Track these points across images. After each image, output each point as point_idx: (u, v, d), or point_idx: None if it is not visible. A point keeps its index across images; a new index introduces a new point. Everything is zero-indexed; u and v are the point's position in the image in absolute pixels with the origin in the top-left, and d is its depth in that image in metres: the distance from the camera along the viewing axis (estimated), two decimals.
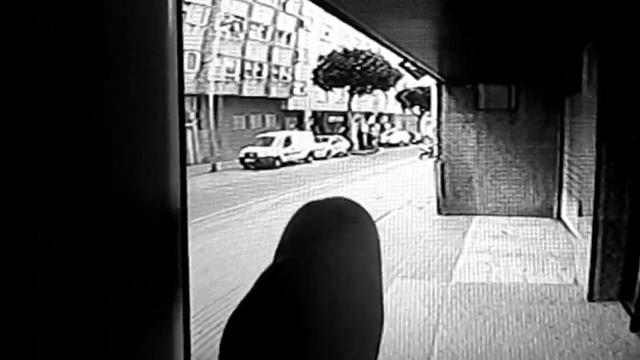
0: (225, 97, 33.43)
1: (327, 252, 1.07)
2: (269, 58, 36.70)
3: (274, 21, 36.85)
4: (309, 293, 1.00)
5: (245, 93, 35.65)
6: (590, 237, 8.15)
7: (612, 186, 8.03)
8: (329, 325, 1.00)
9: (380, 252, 1.17)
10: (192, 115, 31.81)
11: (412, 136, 44.01)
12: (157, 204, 1.63)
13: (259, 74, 38.23)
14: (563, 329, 7.56)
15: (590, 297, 8.12)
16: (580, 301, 8.19)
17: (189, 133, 29.63)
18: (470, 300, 8.58)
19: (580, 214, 9.35)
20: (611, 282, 8.02)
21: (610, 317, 7.63)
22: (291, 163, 32.11)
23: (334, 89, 40.83)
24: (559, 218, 13.04)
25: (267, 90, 37.87)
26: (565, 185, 12.62)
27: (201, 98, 32.35)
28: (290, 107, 40.16)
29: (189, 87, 31.21)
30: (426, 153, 24.68)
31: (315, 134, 38.47)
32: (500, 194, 13.55)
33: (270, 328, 0.98)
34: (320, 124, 41.16)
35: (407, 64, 14.09)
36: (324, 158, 36.02)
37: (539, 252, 10.45)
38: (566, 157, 12.57)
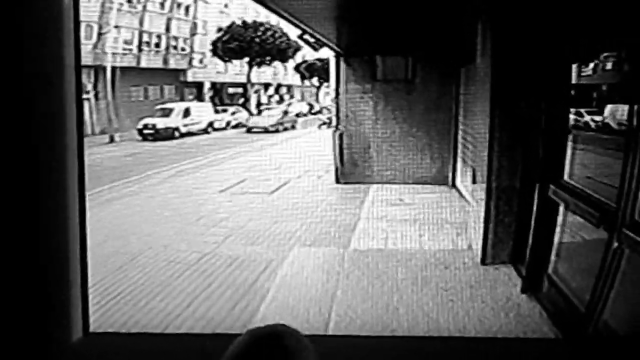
0: (123, 69, 32.79)
1: None
2: (168, 29, 36.12)
3: None
4: None
5: (143, 64, 35.06)
6: (483, 203, 8.32)
7: (504, 154, 8.20)
8: None
9: None
10: (90, 87, 31.13)
11: (311, 107, 43.92)
12: (54, 174, 1.60)
13: (157, 45, 37.63)
14: (457, 291, 7.73)
15: (484, 261, 8.31)
16: (474, 265, 8.38)
17: (86, 104, 29.03)
18: (367, 266, 8.68)
19: (474, 181, 9.53)
20: (503, 246, 8.23)
21: (502, 280, 7.84)
22: (190, 134, 31.83)
23: (233, 61, 40.48)
24: (454, 185, 13.23)
25: (165, 61, 37.31)
26: (460, 153, 12.80)
27: (98, 69, 31.66)
28: (190, 79, 39.70)
29: (86, 59, 30.50)
30: (325, 123, 24.70)
31: (214, 105, 38.16)
32: (397, 163, 13.65)
33: None
34: (220, 95, 40.80)
35: (306, 36, 14.09)
36: (224, 129, 35.80)
37: (434, 218, 10.59)
38: (461, 126, 12.74)
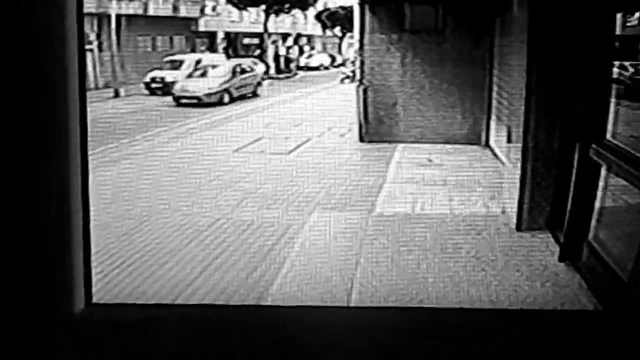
0: (129, 17, 32.71)
1: None
2: None
3: None
4: None
5: (151, 12, 34.95)
6: (519, 164, 8.31)
7: (542, 111, 8.16)
8: None
9: None
10: (93, 37, 31.10)
11: (333, 59, 43.66)
12: (51, 132, 1.59)
13: None
14: (490, 260, 7.74)
15: (519, 227, 8.32)
16: (508, 231, 8.39)
17: (88, 56, 28.98)
18: (393, 232, 8.70)
19: (509, 140, 9.51)
20: (540, 211, 8.23)
21: (539, 247, 7.84)
22: None
23: (249, 9, 40.33)
24: (487, 145, 13.21)
25: (175, 9, 37.21)
26: (494, 110, 12.77)
27: (102, 18, 31.61)
28: (201, 28, 39.54)
29: (89, 6, 30.40)
30: (348, 77, 24.67)
31: (228, 56, 38.09)
32: (426, 120, 13.65)
33: None
34: (234, 46, 40.69)
35: None
36: None
37: (466, 181, 10.59)
38: (495, 81, 12.69)
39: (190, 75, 19.65)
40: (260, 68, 36.72)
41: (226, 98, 17.96)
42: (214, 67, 19.75)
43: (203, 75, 19.36)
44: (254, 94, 18.85)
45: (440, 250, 7.93)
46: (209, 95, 17.66)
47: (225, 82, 18.20)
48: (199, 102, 17.54)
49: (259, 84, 19.16)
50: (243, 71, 19.48)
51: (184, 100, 17.56)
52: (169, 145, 15.61)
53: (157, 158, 13.96)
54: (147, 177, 11.71)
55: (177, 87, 18.01)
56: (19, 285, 2.00)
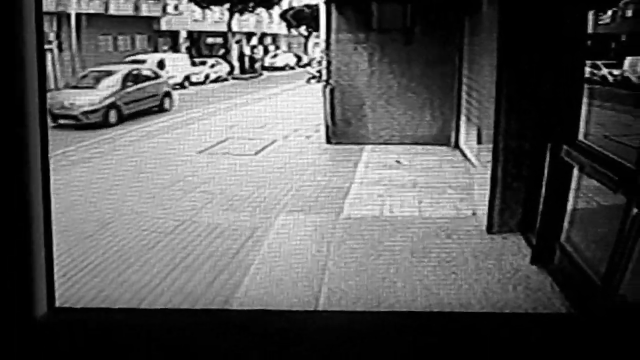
0: (90, 16, 32.54)
1: None
2: None
3: None
4: None
5: (112, 11, 34.81)
6: (489, 166, 8.33)
7: (513, 111, 8.20)
8: None
9: None
10: (52, 36, 30.90)
11: (299, 59, 43.64)
12: (12, 132, 1.58)
13: None
14: (460, 263, 7.77)
15: (490, 229, 8.35)
16: (478, 234, 8.42)
17: (48, 56, 28.72)
18: (362, 235, 8.71)
19: (479, 141, 9.55)
20: (511, 213, 8.26)
21: (510, 250, 7.88)
22: None
23: (212, 7, 40.30)
24: (457, 146, 13.26)
25: (137, 8, 37.04)
26: (464, 111, 12.82)
27: (62, 17, 31.39)
28: (164, 27, 39.43)
29: (48, 5, 30.12)
30: (314, 77, 24.61)
31: (191, 56, 38.01)
32: (395, 121, 13.66)
33: None
34: (197, 46, 40.63)
35: None
36: (202, 83, 35.62)
37: (435, 183, 10.62)
38: (465, 81, 12.73)
39: (76, 86, 14.37)
40: (222, 68, 36.60)
41: (112, 117, 13.66)
42: (109, 74, 14.16)
43: (93, 84, 14.07)
44: (161, 108, 14.92)
45: (410, 253, 7.95)
46: (86, 113, 13.22)
47: (111, 95, 13.57)
48: (78, 124, 12.97)
49: (168, 94, 14.87)
50: (139, 79, 14.73)
51: (62, 121, 12.88)
52: (130, 146, 15.58)
53: (121, 158, 13.94)
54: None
55: (55, 99, 12.78)
56: None
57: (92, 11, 30.83)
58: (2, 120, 1.73)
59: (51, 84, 27.95)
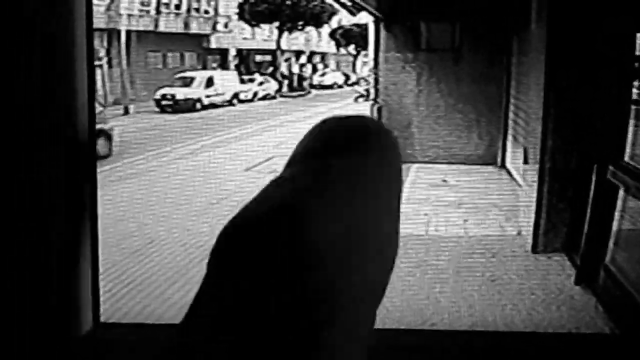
0: (139, 33, 32.73)
1: (347, 168, 1.03)
2: None
3: None
4: (323, 214, 0.94)
5: (161, 28, 34.99)
6: (535, 186, 8.33)
7: (559, 131, 8.18)
8: (343, 253, 0.95)
9: (401, 177, 1.16)
10: (102, 53, 31.14)
11: (347, 77, 43.60)
12: (62, 149, 1.63)
13: (178, 7, 37.47)
14: (505, 282, 7.76)
15: (535, 249, 8.32)
16: (523, 253, 8.39)
17: (98, 72, 28.97)
18: (407, 253, 8.74)
19: (525, 161, 9.53)
20: (556, 233, 8.23)
21: (555, 270, 7.85)
22: (213, 106, 31.79)
23: (262, 26, 40.38)
24: (503, 166, 13.23)
25: (186, 25, 37.24)
26: (510, 131, 12.78)
27: (112, 33, 31.62)
28: (213, 45, 39.56)
29: (98, 21, 30.40)
30: (362, 96, 24.71)
31: (240, 74, 38.07)
32: (442, 140, 13.65)
33: (271, 250, 0.93)
34: (246, 63, 40.74)
35: None
36: (250, 100, 35.70)
37: (481, 202, 10.61)
38: (512, 100, 12.70)
39: None
40: (270, 86, 36.69)
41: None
42: None
43: None
44: None
45: (455, 272, 7.95)
46: None
47: None
48: None
49: (103, 133, 12.77)
50: None
51: None
52: (178, 162, 15.69)
53: (169, 175, 14.05)
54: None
55: None
56: (23, 304, 2.03)
57: (142, 28, 31.13)
58: (51, 135, 1.76)
59: (100, 100, 28.19)
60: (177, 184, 12.81)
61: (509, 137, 12.93)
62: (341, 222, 0.96)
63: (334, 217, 0.95)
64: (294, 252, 0.93)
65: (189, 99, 30.11)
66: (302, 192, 0.97)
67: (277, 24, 38.21)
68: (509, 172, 12.65)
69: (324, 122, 1.14)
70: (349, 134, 1.08)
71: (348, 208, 0.97)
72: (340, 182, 0.99)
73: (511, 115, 12.74)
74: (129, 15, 31.26)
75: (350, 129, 1.10)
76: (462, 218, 9.91)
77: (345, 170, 1.01)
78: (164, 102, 29.71)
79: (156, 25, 33.46)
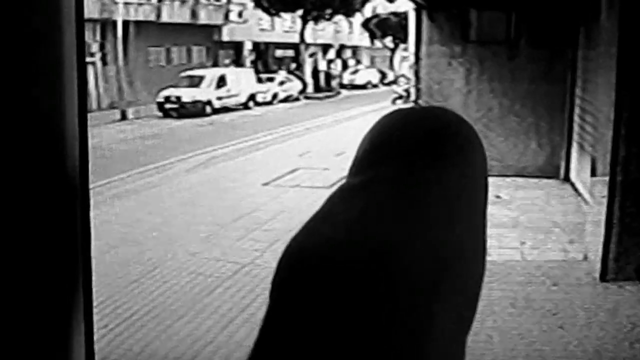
0: (139, 24, 32.89)
1: (433, 181, 0.98)
2: None
3: None
4: (411, 249, 0.90)
5: (165, 18, 35.14)
6: (605, 202, 8.25)
7: (634, 138, 8.08)
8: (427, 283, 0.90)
9: (487, 186, 1.07)
10: (95, 47, 31.31)
11: (384, 75, 43.73)
12: (48, 162, 1.69)
13: None
14: (569, 316, 7.73)
15: (604, 277, 8.25)
16: (590, 282, 8.36)
17: (90, 70, 29.13)
18: None
19: (593, 173, 9.49)
20: (629, 258, 8.14)
21: (628, 301, 7.82)
22: (226, 109, 31.80)
23: (283, 15, 40.52)
24: (567, 179, 13.21)
25: (194, 14, 37.42)
26: (576, 137, 12.76)
27: (107, 25, 31.80)
28: (225, 38, 39.74)
29: (90, 11, 30.52)
30: (401, 97, 24.87)
31: (257, 72, 38.09)
32: (494, 149, 13.60)
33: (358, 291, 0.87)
34: (265, 59, 40.83)
35: None
36: (269, 103, 35.75)
37: (541, 221, 10.62)
38: (578, 102, 12.68)
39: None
40: (293, 86, 36.66)
41: None
42: None
43: None
44: None
45: (510, 303, 7.93)
46: None
47: None
48: None
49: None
50: None
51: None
52: (185, 176, 15.78)
53: (174, 191, 14.13)
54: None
55: None
56: (9, 341, 2.07)
57: (141, 18, 31.27)
58: (34, 140, 1.78)
59: (92, 104, 28.34)
60: (184, 201, 12.88)
61: (574, 145, 12.90)
62: (430, 253, 0.94)
63: (423, 249, 0.94)
64: (384, 295, 0.91)
65: (197, 102, 30.33)
66: (389, 222, 0.92)
67: (300, 12, 38.28)
68: (573, 186, 12.64)
69: (393, 115, 1.07)
70: (431, 133, 1.03)
71: (438, 233, 0.94)
72: (428, 203, 0.95)
73: (576, 119, 12.71)
74: (126, 3, 31.46)
75: (432, 126, 1.05)
76: (518, 240, 9.90)
77: (431, 185, 0.97)
78: (168, 105, 29.92)
79: (158, 15, 33.70)
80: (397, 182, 0.95)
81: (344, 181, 0.99)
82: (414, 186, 0.95)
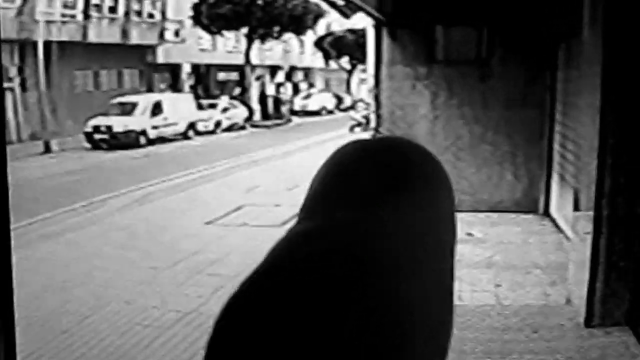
0: (63, 45, 32.64)
1: (393, 216, 0.98)
2: None
3: None
4: (369, 282, 0.88)
5: (92, 38, 35.01)
6: (590, 239, 8.26)
7: (621, 168, 8.08)
8: (391, 327, 0.89)
9: (455, 225, 1.09)
10: (13, 72, 31.07)
11: (340, 100, 43.80)
12: None
13: (113, 10, 37.48)
14: None
15: (589, 322, 8.24)
16: (574, 328, 8.35)
17: (8, 97, 28.84)
18: None
19: (576, 207, 9.53)
20: (618, 301, 8.15)
21: (616, 350, 7.85)
22: (163, 140, 31.74)
23: (225, 33, 40.53)
24: (546, 214, 13.27)
25: (125, 34, 37.29)
26: (556, 168, 12.82)
27: (26, 46, 31.56)
28: (160, 59, 39.63)
29: (7, 30, 30.20)
30: (359, 124, 25.00)
31: (197, 97, 38.04)
32: (466, 181, 13.63)
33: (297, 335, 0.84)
34: (206, 82, 40.76)
35: None
36: (212, 132, 35.73)
37: (518, 261, 10.66)
38: (558, 128, 12.74)
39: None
40: (238, 113, 36.66)
41: None
42: None
43: None
44: None
45: (484, 352, 7.94)
46: None
47: None
48: None
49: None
50: None
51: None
52: (117, 215, 15.74)
53: (105, 231, 14.08)
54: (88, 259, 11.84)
55: None
56: None
57: (65, 38, 31.13)
58: None
59: (12, 135, 28.15)
60: (117, 243, 12.84)
61: (555, 176, 12.97)
62: (393, 304, 0.93)
63: (384, 300, 0.92)
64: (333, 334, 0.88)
65: (130, 132, 30.29)
66: (346, 273, 0.87)
67: (245, 30, 38.34)
68: (554, 222, 12.72)
69: (348, 148, 1.08)
70: (392, 168, 1.02)
71: (399, 282, 0.92)
72: (390, 249, 0.93)
73: (557, 147, 12.77)
74: (48, 22, 31.27)
75: (393, 160, 1.04)
76: (493, 282, 9.94)
77: (394, 228, 0.96)
78: (97, 136, 29.87)
79: (85, 35, 33.60)
80: (355, 227, 0.93)
81: (294, 223, 0.98)
82: (374, 231, 0.93)
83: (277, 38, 39.24)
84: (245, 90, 40.05)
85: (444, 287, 1.00)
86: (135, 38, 34.45)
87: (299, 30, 38.29)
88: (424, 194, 1.01)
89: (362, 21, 16.18)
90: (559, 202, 12.49)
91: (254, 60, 39.59)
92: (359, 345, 0.83)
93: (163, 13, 37.57)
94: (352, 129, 25.99)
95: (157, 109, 30.58)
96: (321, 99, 48.10)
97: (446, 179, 1.06)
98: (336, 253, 0.88)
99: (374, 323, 0.85)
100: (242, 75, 41.11)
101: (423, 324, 0.93)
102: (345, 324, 0.83)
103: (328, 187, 1.03)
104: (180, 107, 31.78)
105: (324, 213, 0.98)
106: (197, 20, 36.08)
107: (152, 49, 35.83)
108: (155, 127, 29.93)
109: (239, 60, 40.56)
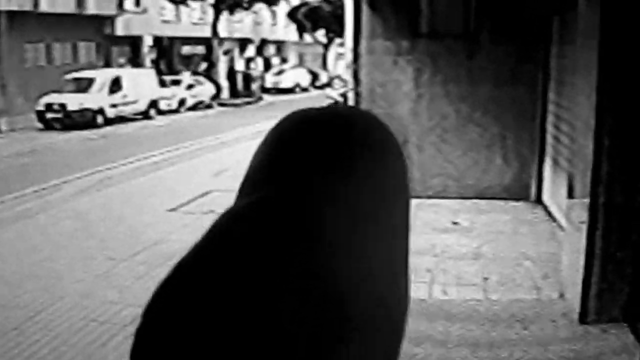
0: (12, 15, 32.62)
1: (332, 192, 0.98)
2: None
3: None
4: (307, 255, 0.91)
5: (44, 8, 34.84)
6: (585, 228, 8.27)
7: (619, 152, 8.07)
8: (336, 305, 0.91)
9: (409, 204, 1.09)
10: None
11: (315, 77, 43.71)
12: None
13: None
14: None
15: (583, 318, 8.24)
16: (568, 324, 8.35)
17: None
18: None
19: (570, 194, 9.53)
20: (615, 295, 8.16)
21: (613, 347, 7.86)
22: (122, 119, 31.71)
23: (190, 3, 40.42)
24: (538, 201, 13.29)
25: (80, 3, 37.12)
26: (549, 151, 12.82)
27: None
28: (119, 31, 39.53)
29: None
30: (336, 103, 24.91)
31: (160, 73, 37.89)
32: (451, 165, 13.64)
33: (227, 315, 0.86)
34: (169, 57, 40.62)
35: None
36: (175, 111, 35.66)
37: (507, 252, 10.65)
38: (551, 108, 12.75)
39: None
40: (204, 90, 36.52)
41: None
42: None
43: None
44: None
45: (471, 351, 7.96)
46: None
47: None
48: None
49: None
50: None
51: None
52: (72, 201, 15.71)
53: (59, 219, 14.05)
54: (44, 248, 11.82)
55: None
56: None
57: (15, 8, 31.07)
58: None
59: None
60: (72, 231, 12.82)
61: (547, 161, 12.98)
62: (331, 287, 0.92)
63: (322, 283, 0.91)
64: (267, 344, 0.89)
65: (85, 110, 30.20)
66: (279, 225, 0.91)
67: (212, 0, 38.23)
68: (546, 210, 12.74)
69: (288, 120, 1.09)
70: (332, 137, 1.02)
71: (340, 262, 0.93)
72: (327, 227, 0.94)
73: (550, 128, 12.78)
74: None
75: (336, 131, 1.04)
76: (480, 275, 9.92)
77: (334, 206, 0.96)
78: (50, 115, 29.78)
79: (36, 3, 33.48)
80: (291, 204, 0.95)
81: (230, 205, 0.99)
82: (310, 208, 0.95)
83: (247, 9, 39.15)
84: (212, 65, 39.89)
85: (397, 270, 1.02)
86: (91, 8, 34.29)
87: (271, 0, 38.25)
88: (368, 164, 1.01)
89: None
90: (552, 188, 12.51)
91: (222, 32, 39.46)
92: (296, 325, 0.86)
93: None
94: None
95: (115, 85, 30.48)
96: (295, 76, 47.98)
97: (399, 153, 1.07)
98: (265, 233, 0.90)
99: (310, 305, 0.87)
100: (209, 49, 40.95)
101: (372, 310, 0.95)
102: (279, 309, 0.85)
103: (265, 162, 1.05)
104: (141, 84, 31.65)
105: (259, 189, 1.00)
106: None
107: (110, 19, 35.70)
108: (113, 106, 29.83)
109: (206, 32, 40.45)
